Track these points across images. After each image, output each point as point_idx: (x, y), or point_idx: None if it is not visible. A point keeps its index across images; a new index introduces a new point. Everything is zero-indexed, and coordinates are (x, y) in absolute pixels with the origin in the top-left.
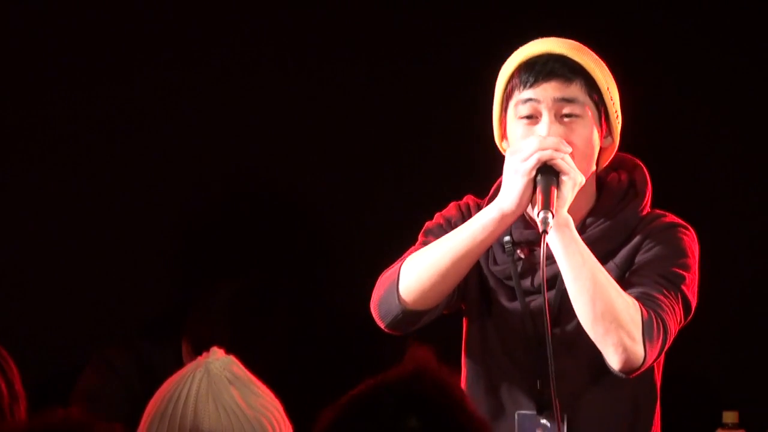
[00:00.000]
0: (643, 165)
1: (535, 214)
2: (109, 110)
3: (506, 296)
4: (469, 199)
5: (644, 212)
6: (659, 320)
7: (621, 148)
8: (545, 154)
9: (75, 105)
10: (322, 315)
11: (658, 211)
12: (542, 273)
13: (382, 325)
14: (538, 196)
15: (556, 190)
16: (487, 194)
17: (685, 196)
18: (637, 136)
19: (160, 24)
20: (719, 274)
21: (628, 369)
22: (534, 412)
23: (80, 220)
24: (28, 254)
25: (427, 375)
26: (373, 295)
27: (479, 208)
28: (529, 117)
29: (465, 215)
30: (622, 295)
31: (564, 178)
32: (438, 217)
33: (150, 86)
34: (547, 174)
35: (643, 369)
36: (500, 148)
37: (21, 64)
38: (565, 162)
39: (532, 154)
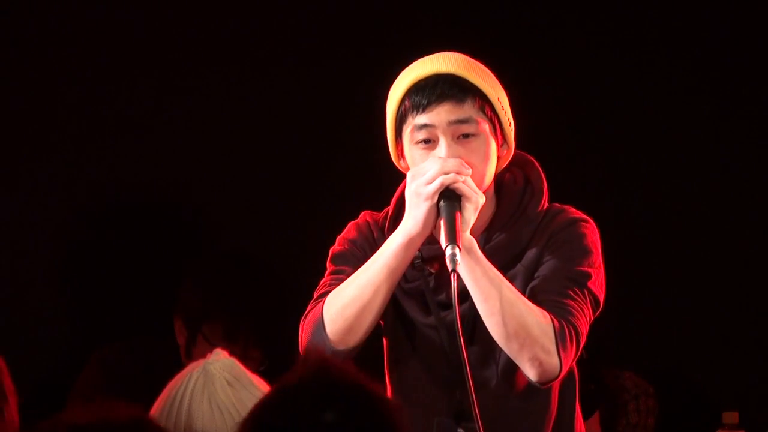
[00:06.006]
0: (534, 159)
1: (443, 246)
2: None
3: (421, 312)
4: (366, 215)
5: (544, 207)
6: (570, 327)
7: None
8: (447, 179)
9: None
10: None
11: (557, 205)
12: (456, 308)
13: None
14: (442, 226)
15: (460, 217)
16: (385, 208)
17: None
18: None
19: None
20: (719, 275)
21: (545, 380)
22: (452, 420)
23: (76, 220)
24: (24, 254)
25: (332, 368)
26: (300, 340)
27: (377, 223)
28: (426, 141)
29: (366, 234)
30: (532, 309)
31: (466, 202)
32: (342, 242)
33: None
34: (449, 199)
35: (560, 378)
36: (398, 167)
37: None
38: (466, 185)
39: (434, 178)
